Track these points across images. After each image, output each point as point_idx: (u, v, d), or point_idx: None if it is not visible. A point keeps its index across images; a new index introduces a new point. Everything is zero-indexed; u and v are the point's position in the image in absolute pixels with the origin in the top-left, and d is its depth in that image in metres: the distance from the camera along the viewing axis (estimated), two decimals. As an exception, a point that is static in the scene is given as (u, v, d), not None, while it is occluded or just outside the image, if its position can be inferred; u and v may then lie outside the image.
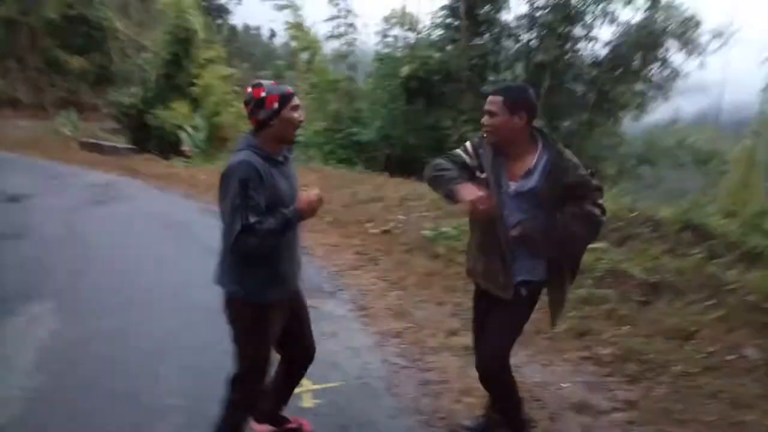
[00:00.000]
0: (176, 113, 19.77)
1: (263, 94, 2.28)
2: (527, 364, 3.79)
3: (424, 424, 3.10)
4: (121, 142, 21.31)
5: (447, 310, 4.71)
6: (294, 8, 18.91)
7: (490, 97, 2.43)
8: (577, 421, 3.11)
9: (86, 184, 12.12)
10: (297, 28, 20.24)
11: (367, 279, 5.60)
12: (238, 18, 49.20)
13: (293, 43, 21.40)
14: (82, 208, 9.39)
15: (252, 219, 2.23)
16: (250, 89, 2.32)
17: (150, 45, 25.75)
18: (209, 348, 4.01)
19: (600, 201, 2.38)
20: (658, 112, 15.14)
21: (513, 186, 2.44)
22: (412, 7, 18.01)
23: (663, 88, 14.55)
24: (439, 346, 4.04)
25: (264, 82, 2.34)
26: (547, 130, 2.49)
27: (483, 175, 2.48)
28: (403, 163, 13.52)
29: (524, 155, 2.44)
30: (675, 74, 14.15)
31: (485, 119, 2.42)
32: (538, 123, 2.50)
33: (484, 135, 2.48)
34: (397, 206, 8.34)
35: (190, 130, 19.09)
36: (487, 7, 15.19)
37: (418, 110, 15.80)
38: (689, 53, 13.57)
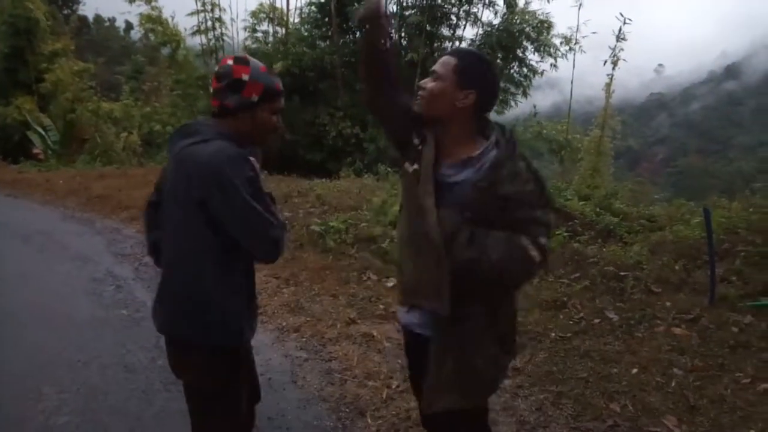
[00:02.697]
0: (20, 110, 17.85)
1: (245, 77, 1.76)
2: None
3: (332, 411, 3.18)
4: (-45, 146, 18.83)
5: (342, 302, 4.80)
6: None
7: (444, 57, 1.79)
8: (473, 391, 3.36)
9: None
10: (154, 20, 19.11)
11: (258, 278, 5.47)
12: (89, 9, 45.27)
13: (151, 37, 20.20)
14: None
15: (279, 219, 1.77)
16: (230, 62, 1.79)
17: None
18: (92, 361, 3.77)
19: (542, 240, 1.64)
20: (519, 108, 16.38)
21: (445, 170, 1.76)
22: (280, 2, 17.73)
23: (521, 85, 15.75)
24: (338, 336, 4.12)
25: (253, 61, 1.80)
26: (508, 130, 1.81)
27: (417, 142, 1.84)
28: (282, 160, 13.37)
29: (465, 144, 1.77)
30: (532, 72, 15.39)
31: (425, 80, 1.78)
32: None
33: (416, 101, 1.80)
34: (282, 204, 8.27)
35: (40, 130, 17.32)
36: (356, 5, 15.45)
37: (293, 107, 15.68)
38: (543, 53, 14.83)
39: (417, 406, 2.23)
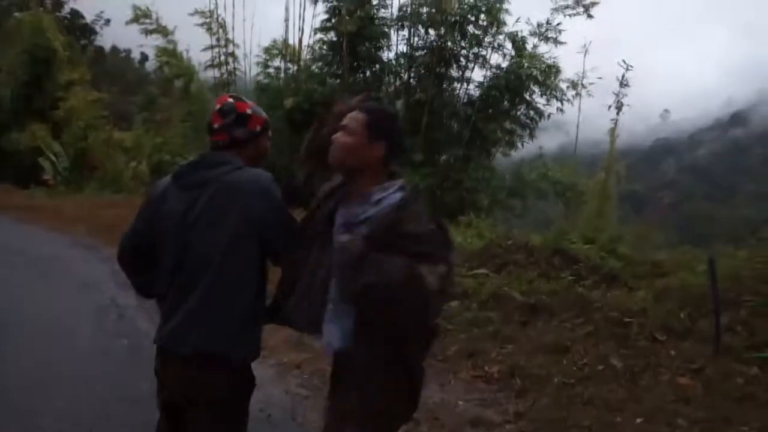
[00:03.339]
0: (34, 137, 18.16)
1: (249, 111, 1.96)
2: (425, 386, 3.96)
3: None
4: (-33, 170, 19.11)
5: (344, 338, 4.78)
6: (164, 33, 18.29)
7: (353, 113, 1.91)
8: (474, 436, 3.32)
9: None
10: (169, 54, 19.60)
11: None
12: (106, 40, 46.38)
13: (166, 70, 20.68)
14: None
15: None
16: (230, 100, 1.96)
17: (4, 65, 23.51)
18: (91, 392, 3.76)
19: (441, 269, 1.66)
20: (525, 149, 16.52)
21: (355, 208, 1.87)
22: (293, 39, 18.11)
23: (528, 127, 15.94)
24: (340, 374, 4.09)
25: (244, 98, 2.01)
26: (407, 182, 1.95)
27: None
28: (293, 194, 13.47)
29: (373, 186, 1.88)
30: (539, 114, 15.59)
31: (338, 135, 1.89)
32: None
33: (331, 154, 1.90)
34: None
35: (52, 156, 17.59)
36: (367, 44, 15.80)
37: (301, 142, 15.86)
38: (550, 97, 15.06)
39: None
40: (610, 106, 11.71)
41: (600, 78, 13.73)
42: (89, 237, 9.41)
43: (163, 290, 1.95)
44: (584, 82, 14.28)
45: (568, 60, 15.01)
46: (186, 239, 1.86)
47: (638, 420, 3.39)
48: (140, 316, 5.33)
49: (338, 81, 16.10)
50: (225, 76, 18.05)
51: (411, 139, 14.67)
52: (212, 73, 18.26)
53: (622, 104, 11.68)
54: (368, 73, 16.79)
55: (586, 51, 13.17)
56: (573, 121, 14.39)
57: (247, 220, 1.84)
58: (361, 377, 1.79)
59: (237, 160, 1.92)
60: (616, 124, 11.93)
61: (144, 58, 47.52)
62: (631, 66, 11.44)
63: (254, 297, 1.91)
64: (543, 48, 14.98)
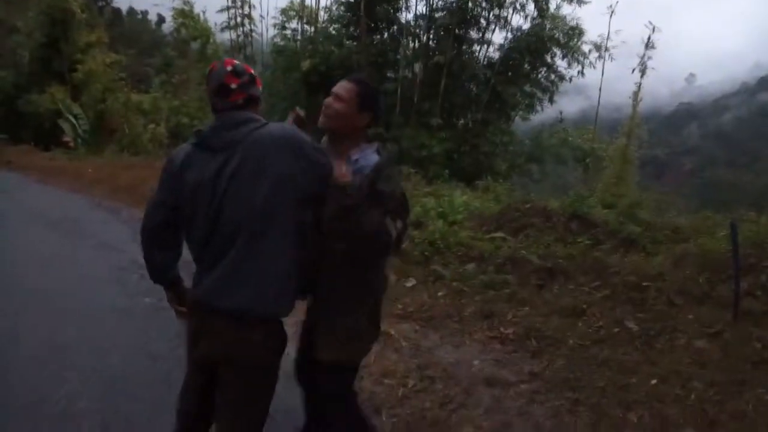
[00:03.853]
0: (53, 99, 18.26)
1: (255, 72, 2.04)
2: (440, 346, 4.02)
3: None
4: (-11, 131, 19.36)
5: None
6: (182, -6, 18.10)
7: (344, 83, 2.17)
8: (489, 394, 3.36)
9: (-48, 176, 10.93)
10: (186, 15, 19.44)
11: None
12: (123, 1, 46.12)
13: (183, 31, 20.53)
14: (-51, 203, 8.50)
15: None
16: (238, 63, 2.00)
17: (22, 26, 23.52)
18: (114, 348, 3.85)
19: (399, 224, 2.02)
20: (545, 113, 16.26)
21: None
22: (310, 0, 17.85)
23: (548, 90, 15.64)
24: (356, 333, 4.15)
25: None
26: (384, 147, 2.31)
27: None
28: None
29: (354, 150, 2.16)
30: (559, 78, 15.27)
31: (329, 100, 2.14)
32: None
33: (321, 117, 2.18)
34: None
35: (71, 118, 17.71)
36: (385, 5, 15.47)
37: (318, 105, 15.74)
38: (572, 59, 14.71)
39: (432, 407, 2.68)
40: (634, 69, 11.43)
41: (623, 42, 13.34)
42: (109, 198, 9.54)
43: (197, 255, 1.98)
44: (608, 44, 13.90)
45: (592, 21, 14.57)
46: (220, 201, 1.85)
47: (652, 382, 3.40)
48: (161, 276, 5.42)
49: (355, 43, 15.86)
50: (241, 38, 17.89)
51: (429, 103, 14.50)
52: (228, 35, 18.08)
53: (646, 67, 11.37)
54: (386, 35, 16.51)
55: (612, 12, 12.74)
56: (595, 85, 14.08)
57: (283, 178, 1.85)
58: (326, 309, 2.13)
59: (258, 117, 1.95)
60: (639, 87, 11.66)
61: (161, 19, 47.27)
62: (659, 28, 11.08)
63: (291, 255, 1.92)
64: (566, 9, 14.58)
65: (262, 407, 2.02)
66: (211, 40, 19.17)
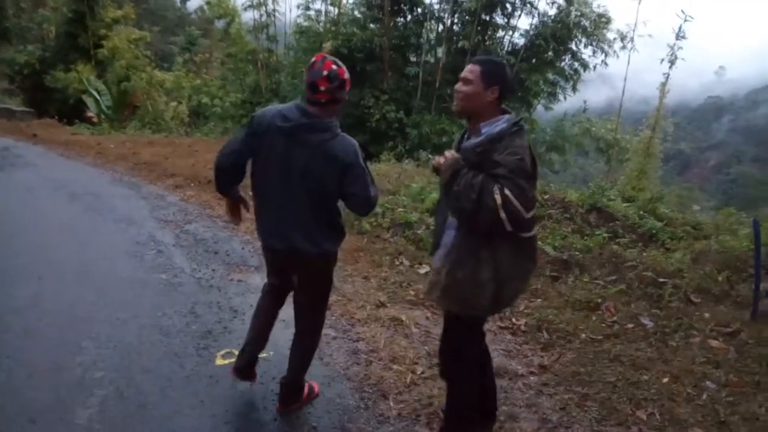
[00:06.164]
0: (80, 76, 18.43)
1: (346, 76, 2.48)
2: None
3: (355, 390, 3.22)
4: (15, 105, 19.65)
5: (374, 284, 4.84)
6: (206, -29, 18.04)
7: (469, 66, 2.37)
8: (498, 384, 3.32)
9: (-22, 148, 11.13)
10: (213, -7, 19.41)
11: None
12: (149, -22, 46.13)
13: (208, 10, 20.51)
14: (-25, 173, 8.66)
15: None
16: (334, 66, 2.43)
17: (49, 0, 23.71)
18: (130, 321, 3.91)
19: (506, 192, 2.09)
20: (568, 102, 16.00)
21: (464, 149, 2.38)
22: (335, -20, 17.69)
23: (572, 79, 15.36)
24: (367, 318, 4.16)
25: (339, 62, 2.47)
26: (519, 117, 2.37)
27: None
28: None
29: (488, 122, 2.35)
30: (583, 66, 14.97)
31: (458, 86, 2.37)
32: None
33: (455, 102, 2.42)
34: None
35: (95, 94, 17.88)
36: (410, -14, 15.28)
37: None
38: (597, 48, 14.41)
39: (440, 394, 2.72)
40: (662, 60, 11.12)
41: (650, 36, 12.99)
42: (130, 174, 9.63)
43: (261, 203, 2.68)
44: (635, 34, 13.56)
45: (619, 9, 14.22)
46: (288, 174, 2.51)
47: (665, 380, 3.37)
48: (177, 253, 5.48)
49: (378, 25, 15.71)
50: (264, 17, 17.80)
51: (450, 88, 14.34)
52: (251, 14, 18.00)
53: (675, 58, 11.08)
54: (409, 18, 16.32)
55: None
56: (621, 75, 13.75)
57: (330, 180, 2.50)
58: (452, 259, 2.36)
59: (335, 125, 2.52)
60: (667, 79, 11.37)
61: (185, -3, 47.23)
62: (691, 17, 10.76)
63: (333, 218, 2.65)
64: (593, -5, 14.24)
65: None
66: (237, 20, 19.11)
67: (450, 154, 2.35)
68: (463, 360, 2.56)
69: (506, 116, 2.34)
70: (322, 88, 2.43)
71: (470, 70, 2.34)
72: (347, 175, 2.49)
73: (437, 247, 2.56)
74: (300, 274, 2.78)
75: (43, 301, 4.15)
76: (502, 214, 2.10)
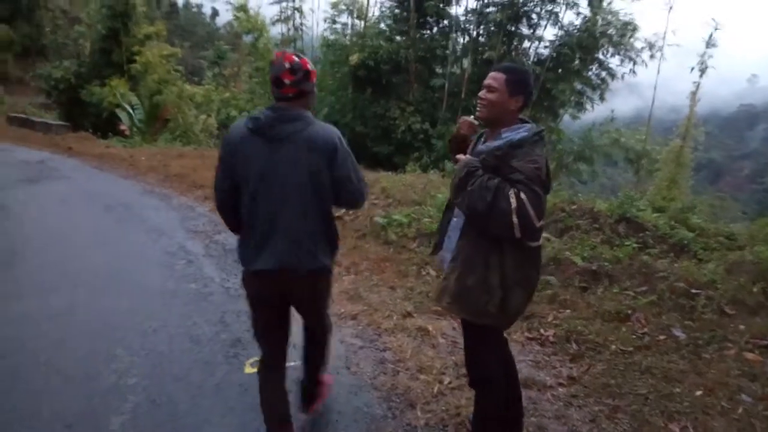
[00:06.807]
0: (113, 90, 18.93)
1: (310, 67, 2.34)
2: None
3: (383, 400, 3.23)
4: (52, 119, 20.27)
5: (400, 294, 4.85)
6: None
7: (493, 73, 2.34)
8: (525, 395, 3.29)
9: (17, 161, 11.52)
10: (241, 9, 19.84)
11: (320, 263, 5.66)
12: (179, -5, 47.42)
13: (236, 25, 20.95)
14: (13, 185, 8.96)
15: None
16: (296, 58, 2.30)
17: (84, 17, 24.49)
18: (161, 329, 3.99)
19: (522, 195, 2.08)
20: (596, 112, 15.84)
21: (479, 149, 2.39)
22: (361, -6, 17.93)
23: (599, 88, 15.22)
24: (394, 328, 4.17)
25: (300, 54, 2.37)
26: (541, 128, 2.35)
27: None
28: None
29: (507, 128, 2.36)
30: (611, 75, 14.83)
31: (483, 93, 2.34)
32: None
33: (478, 109, 2.38)
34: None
35: (128, 108, 18.35)
36: (434, 0, 15.38)
37: (365, 99, 15.85)
38: (624, 57, 14.26)
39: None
40: (693, 68, 10.96)
41: (678, 46, 12.81)
42: (161, 185, 9.84)
43: (247, 222, 2.39)
44: (664, 42, 13.39)
45: (648, 18, 14.06)
46: (275, 175, 2.29)
47: (698, 392, 3.29)
48: (207, 263, 5.58)
49: (404, 38, 15.83)
50: (291, 31, 18.11)
51: (476, 99, 14.34)
52: (279, 29, 18.34)
53: (706, 66, 10.90)
54: (435, 30, 16.42)
55: (670, 7, 12.26)
56: (651, 84, 13.57)
57: (320, 169, 2.31)
58: (460, 263, 2.36)
59: (308, 114, 2.34)
60: (697, 87, 11.19)
61: (214, 13, 48.35)
62: (721, 25, 10.60)
63: (325, 223, 2.43)
64: (620, 4, 14.14)
65: None
66: (265, 35, 19.48)
67: (466, 119, 2.46)
68: (485, 368, 2.53)
69: (528, 125, 2.35)
70: (288, 82, 2.29)
71: (495, 77, 2.32)
72: (336, 158, 2.32)
73: (439, 247, 2.62)
74: (300, 299, 2.55)
75: (78, 310, 4.27)
76: (515, 219, 2.08)
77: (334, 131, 2.38)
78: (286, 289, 2.46)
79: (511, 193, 2.09)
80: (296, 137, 2.28)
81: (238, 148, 2.31)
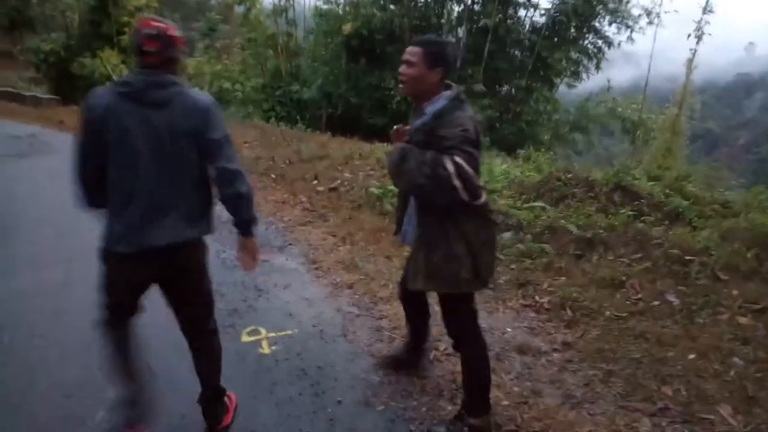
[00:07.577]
0: (105, 62, 18.64)
1: (173, 32, 2.20)
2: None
3: (379, 366, 3.25)
4: (42, 92, 19.97)
5: (396, 264, 4.85)
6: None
7: (410, 48, 2.37)
8: (520, 361, 3.35)
9: (7, 135, 11.38)
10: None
11: (316, 234, 5.66)
12: (169, -36, 46.28)
13: (227, -5, 20.55)
14: (3, 160, 8.87)
15: None
16: (157, 24, 2.17)
17: (72, -12, 23.91)
18: (157, 299, 3.96)
19: (457, 159, 2.13)
20: (592, 82, 15.72)
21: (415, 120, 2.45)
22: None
23: (595, 57, 15.07)
24: (390, 296, 4.18)
25: (165, 20, 2.23)
26: (459, 91, 2.39)
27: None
28: (345, 123, 13.45)
29: (432, 101, 2.39)
30: (607, 44, 14.67)
31: (403, 68, 2.37)
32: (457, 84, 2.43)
33: (400, 85, 2.43)
34: (343, 165, 8.36)
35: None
36: (429, -32, 15.10)
37: (360, 69, 15.66)
38: (621, 24, 14.08)
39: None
40: (689, 36, 10.83)
41: (676, 11, 12.63)
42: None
43: (119, 197, 2.24)
44: (661, 9, 13.22)
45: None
46: (154, 143, 2.16)
47: (691, 356, 3.33)
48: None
49: (398, 6, 15.57)
50: (283, 1, 17.76)
51: (472, 68, 14.20)
52: (270, -1, 17.98)
53: (703, 33, 10.78)
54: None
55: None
56: (646, 53, 13.45)
57: (193, 135, 2.19)
58: (424, 243, 2.42)
59: (178, 79, 2.22)
60: (694, 55, 11.08)
61: (205, -18, 47.25)
62: (718, -10, 10.45)
63: (198, 191, 2.32)
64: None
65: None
66: (257, 5, 19.10)
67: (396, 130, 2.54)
68: (466, 330, 2.65)
69: (447, 92, 2.37)
70: (152, 49, 2.14)
71: (412, 52, 2.35)
72: (210, 121, 2.22)
73: (400, 226, 2.72)
74: (180, 276, 2.46)
75: (73, 283, 4.26)
76: (457, 182, 2.13)
77: (208, 97, 2.32)
78: (166, 264, 2.37)
79: (447, 160, 2.13)
80: (172, 103, 2.17)
81: (107, 114, 2.12)
